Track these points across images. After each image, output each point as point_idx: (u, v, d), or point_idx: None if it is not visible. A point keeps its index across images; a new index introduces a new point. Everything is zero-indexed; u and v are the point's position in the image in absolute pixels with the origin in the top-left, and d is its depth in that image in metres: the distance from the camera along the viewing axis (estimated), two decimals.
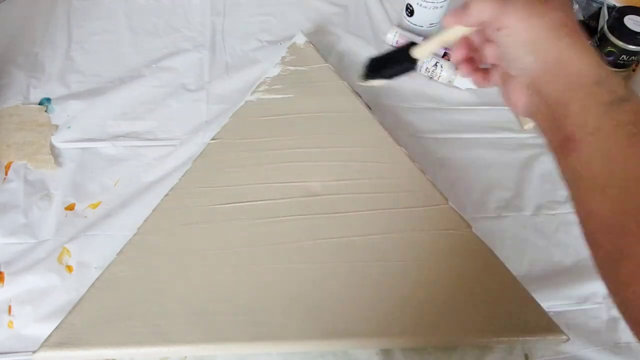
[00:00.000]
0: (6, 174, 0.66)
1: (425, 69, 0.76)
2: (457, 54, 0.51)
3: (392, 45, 0.80)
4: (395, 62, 0.57)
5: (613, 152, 0.38)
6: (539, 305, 0.53)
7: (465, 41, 0.50)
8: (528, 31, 0.42)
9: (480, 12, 0.44)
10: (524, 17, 0.42)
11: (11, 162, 0.67)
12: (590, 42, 0.41)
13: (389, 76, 0.58)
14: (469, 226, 0.58)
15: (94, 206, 0.64)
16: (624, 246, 0.37)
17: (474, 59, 0.51)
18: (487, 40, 0.48)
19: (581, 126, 0.40)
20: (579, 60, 0.41)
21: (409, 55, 0.55)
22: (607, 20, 0.70)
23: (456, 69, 0.51)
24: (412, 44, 0.55)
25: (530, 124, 0.72)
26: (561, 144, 0.42)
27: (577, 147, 0.40)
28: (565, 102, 0.41)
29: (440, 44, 0.52)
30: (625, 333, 0.56)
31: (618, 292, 0.38)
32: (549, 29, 0.42)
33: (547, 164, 0.68)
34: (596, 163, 0.39)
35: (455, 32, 0.49)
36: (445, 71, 0.75)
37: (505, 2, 0.43)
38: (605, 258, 0.39)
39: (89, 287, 0.54)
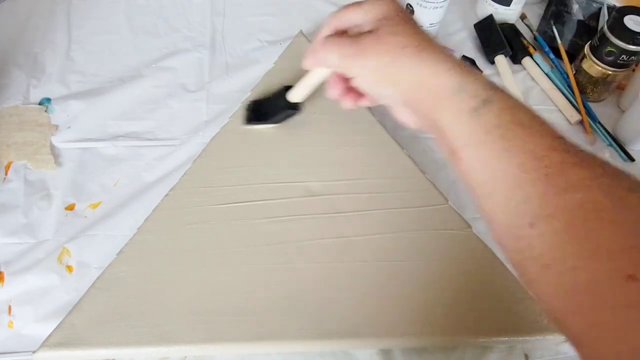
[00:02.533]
0: (6, 174, 0.66)
1: None
2: (332, 92, 0.53)
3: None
4: (276, 108, 0.63)
5: (490, 159, 0.39)
6: (539, 306, 0.53)
7: (337, 76, 0.52)
8: (374, 73, 0.45)
9: (329, 63, 0.49)
10: (364, 63, 0.45)
11: (11, 162, 0.67)
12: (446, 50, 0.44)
13: (275, 122, 0.64)
14: (469, 226, 0.58)
15: (94, 206, 0.64)
16: (521, 247, 0.37)
17: (353, 88, 0.52)
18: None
19: (457, 138, 0.41)
20: (433, 75, 0.42)
21: (286, 100, 0.61)
22: (607, 20, 0.69)
23: (340, 103, 0.54)
24: (287, 88, 0.60)
25: None
26: (449, 155, 0.42)
27: (459, 158, 0.41)
28: (437, 117, 0.42)
29: (311, 87, 0.56)
30: None
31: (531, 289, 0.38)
32: (390, 61, 0.44)
33: None
34: (479, 172, 0.40)
35: (319, 73, 0.53)
36: None
37: (344, 54, 0.46)
38: (511, 258, 0.39)
39: (89, 287, 0.54)
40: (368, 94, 0.50)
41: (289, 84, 0.61)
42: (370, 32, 0.46)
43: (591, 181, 0.35)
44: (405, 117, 0.49)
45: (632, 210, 0.34)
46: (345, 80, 0.51)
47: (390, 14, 0.46)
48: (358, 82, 0.48)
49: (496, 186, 0.39)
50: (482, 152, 0.39)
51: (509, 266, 0.56)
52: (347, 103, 0.54)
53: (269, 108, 0.65)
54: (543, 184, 0.36)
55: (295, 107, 0.62)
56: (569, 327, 0.35)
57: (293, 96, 0.61)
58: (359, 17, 0.47)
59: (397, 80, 0.44)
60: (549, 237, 0.36)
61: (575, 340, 0.35)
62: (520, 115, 0.39)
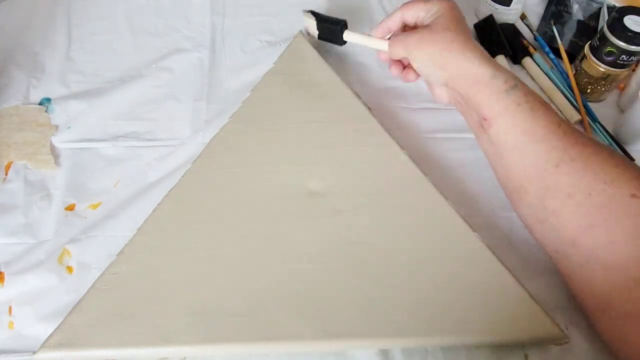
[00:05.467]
0: (6, 174, 0.66)
1: None
2: (394, 70, 0.71)
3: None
4: (329, 30, 0.74)
5: (521, 121, 0.54)
6: (539, 306, 0.53)
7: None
8: (428, 59, 0.61)
9: (396, 54, 0.66)
10: (423, 50, 0.61)
11: (11, 162, 0.67)
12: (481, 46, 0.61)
13: (320, 36, 0.75)
14: (469, 227, 0.58)
15: (94, 206, 0.64)
16: (546, 185, 0.52)
17: (402, 62, 0.71)
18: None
19: (492, 109, 0.56)
20: (472, 64, 0.57)
21: (341, 31, 0.73)
22: (607, 20, 0.69)
23: (389, 69, 0.72)
24: (345, 25, 0.73)
25: None
26: (479, 124, 0.59)
27: (492, 123, 0.56)
28: (474, 94, 0.58)
29: (368, 45, 0.71)
30: None
31: (541, 230, 0.55)
32: (441, 50, 0.59)
33: None
34: (510, 132, 0.55)
35: (380, 45, 0.69)
36: None
37: (408, 44, 0.62)
38: (531, 201, 0.54)
39: (89, 288, 0.54)
40: (419, 72, 0.66)
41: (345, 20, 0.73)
42: (428, 25, 0.62)
43: (597, 142, 0.53)
44: (441, 93, 0.66)
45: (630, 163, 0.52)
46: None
47: (446, 12, 0.61)
48: (414, 64, 0.64)
49: (525, 140, 0.54)
50: (514, 117, 0.55)
51: (508, 266, 0.56)
52: (395, 70, 0.71)
53: (325, 23, 0.74)
54: (563, 139, 0.53)
55: (342, 43, 0.74)
56: (583, 244, 0.50)
57: (348, 37, 0.73)
58: (421, 13, 0.64)
59: (445, 66, 0.59)
60: (571, 174, 0.51)
61: (587, 256, 0.50)
62: (539, 98, 0.56)
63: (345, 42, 0.73)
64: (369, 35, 0.70)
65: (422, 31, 0.61)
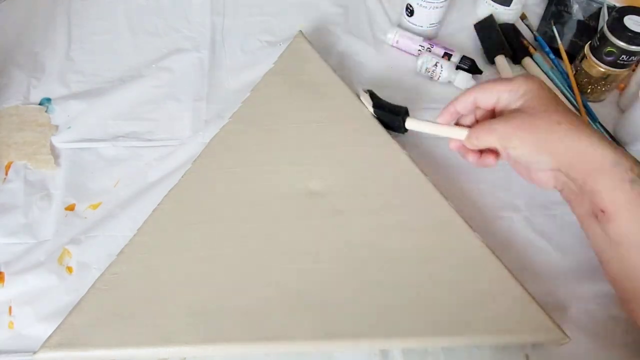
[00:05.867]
0: (6, 174, 0.66)
1: (425, 69, 0.76)
2: (472, 158, 0.60)
3: (393, 46, 0.81)
4: (388, 114, 0.66)
5: None
6: (539, 306, 0.53)
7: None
8: (534, 143, 0.51)
9: (485, 143, 0.55)
10: (524, 136, 0.52)
11: (11, 162, 0.67)
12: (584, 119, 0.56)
13: (377, 115, 0.67)
14: (470, 227, 0.58)
15: (94, 207, 0.64)
16: None
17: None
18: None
19: (613, 201, 0.48)
20: (590, 146, 0.49)
21: (402, 120, 0.64)
22: (607, 20, 0.69)
23: (463, 157, 0.61)
24: (407, 113, 0.65)
25: None
26: (595, 215, 0.50)
27: (612, 218, 0.48)
28: (592, 182, 0.49)
29: (435, 133, 0.61)
30: (625, 333, 0.56)
31: None
32: (547, 136, 0.51)
33: None
34: (633, 229, 0.47)
35: (453, 134, 0.59)
36: (445, 71, 0.75)
37: (503, 133, 0.53)
38: None
39: (89, 288, 0.54)
40: (519, 160, 0.55)
41: (406, 107, 0.66)
42: (520, 110, 0.53)
43: None
44: (546, 178, 0.55)
45: None
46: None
47: (540, 92, 0.53)
48: (514, 151, 0.53)
49: None
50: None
51: (509, 266, 0.56)
52: (473, 158, 0.60)
53: (384, 108, 0.67)
54: None
55: (401, 129, 0.66)
56: None
57: (410, 124, 0.64)
58: (504, 94, 0.55)
59: (554, 151, 0.51)
60: None
61: None
62: None
63: (407, 131, 0.66)
64: (435, 122, 0.61)
65: (518, 115, 0.53)
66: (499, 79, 0.57)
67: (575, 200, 0.53)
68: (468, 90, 0.57)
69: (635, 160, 0.49)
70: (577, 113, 0.55)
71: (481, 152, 0.59)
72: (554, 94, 0.54)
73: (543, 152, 0.52)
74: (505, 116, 0.54)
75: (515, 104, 0.54)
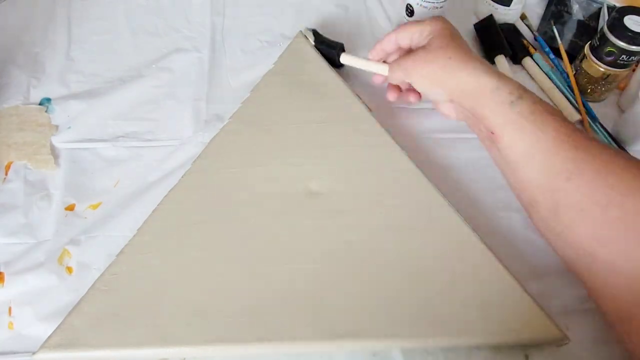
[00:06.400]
0: (6, 174, 0.66)
1: None
2: (391, 95, 0.71)
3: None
4: (326, 48, 0.74)
5: (529, 134, 0.53)
6: (539, 307, 0.53)
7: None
8: (428, 76, 0.61)
9: (396, 78, 0.66)
10: (421, 70, 0.61)
11: (11, 162, 0.67)
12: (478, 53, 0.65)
13: (318, 49, 0.75)
14: (469, 227, 0.58)
15: (94, 207, 0.64)
16: (558, 198, 0.51)
17: (398, 87, 0.70)
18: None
19: (497, 123, 0.55)
20: (473, 78, 0.57)
21: (338, 54, 0.73)
22: (607, 20, 0.69)
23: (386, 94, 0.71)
24: (342, 49, 0.74)
25: None
26: (488, 137, 0.58)
27: (499, 137, 0.55)
28: (479, 108, 0.57)
29: (365, 69, 0.70)
30: None
31: (557, 241, 0.54)
32: (439, 68, 0.59)
33: None
34: (518, 145, 0.54)
35: (378, 69, 0.68)
36: None
37: (406, 67, 0.62)
38: (544, 214, 0.53)
39: (89, 288, 0.54)
40: (422, 93, 0.66)
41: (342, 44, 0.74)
42: (423, 47, 0.62)
43: (612, 149, 0.52)
44: (448, 110, 0.65)
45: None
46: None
47: (441, 31, 0.61)
48: (415, 85, 0.64)
49: (535, 153, 0.52)
50: (521, 130, 0.53)
51: (509, 267, 0.56)
52: (392, 95, 0.70)
53: (324, 47, 0.75)
54: (573, 151, 0.51)
55: (338, 66, 0.74)
56: (601, 256, 0.48)
57: (345, 60, 0.72)
58: (415, 34, 0.64)
59: (445, 83, 0.59)
60: (583, 187, 0.49)
61: (607, 268, 0.48)
62: (547, 108, 0.54)
63: (342, 65, 0.73)
64: (366, 59, 0.70)
65: (418, 52, 0.61)
66: (415, 21, 0.65)
67: (474, 127, 0.62)
68: (391, 31, 0.67)
69: (517, 84, 0.56)
70: (469, 49, 0.61)
71: (400, 91, 0.70)
72: (457, 33, 0.62)
73: (436, 85, 0.60)
74: (412, 53, 0.63)
75: (422, 42, 0.62)
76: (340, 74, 0.72)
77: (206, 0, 0.86)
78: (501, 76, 0.56)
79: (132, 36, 0.81)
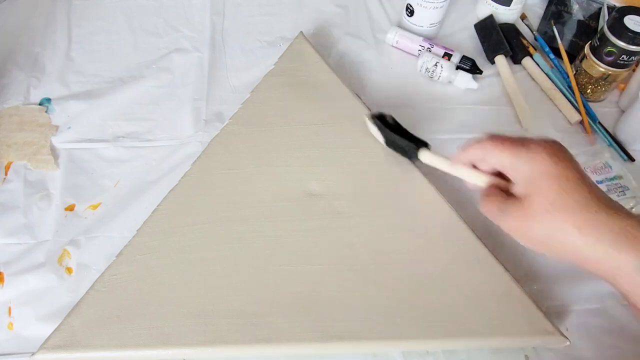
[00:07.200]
0: (6, 174, 0.66)
1: (426, 69, 0.76)
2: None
3: (393, 46, 0.81)
4: (401, 142, 0.61)
5: None
6: (538, 308, 0.53)
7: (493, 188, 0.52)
8: (540, 247, 0.46)
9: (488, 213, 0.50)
10: (526, 239, 0.47)
11: (11, 162, 0.67)
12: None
13: (388, 144, 0.62)
14: (469, 227, 0.58)
15: (94, 207, 0.64)
16: None
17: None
18: None
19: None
20: (607, 255, 0.42)
21: (416, 151, 0.59)
22: (607, 20, 0.69)
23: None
24: (425, 144, 0.60)
25: (530, 124, 0.72)
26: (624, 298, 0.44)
27: None
28: (613, 283, 0.43)
29: (457, 174, 0.56)
30: (625, 334, 0.56)
31: None
32: (553, 241, 0.44)
33: None
34: None
35: (472, 179, 0.54)
36: (445, 71, 0.75)
37: (506, 227, 0.47)
38: None
39: (88, 289, 0.54)
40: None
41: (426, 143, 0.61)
42: (520, 202, 0.46)
43: None
44: None
45: None
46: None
47: (543, 175, 0.45)
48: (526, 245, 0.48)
49: None
50: None
51: (508, 268, 0.56)
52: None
53: (397, 134, 0.62)
54: None
55: (414, 158, 0.61)
56: None
57: (424, 157, 0.59)
58: (505, 162, 0.48)
59: (565, 257, 0.45)
60: None
61: None
62: None
63: (419, 160, 0.61)
64: (452, 163, 0.56)
65: (518, 214, 0.46)
66: (510, 139, 0.48)
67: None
68: (477, 143, 0.51)
69: None
70: (602, 193, 0.44)
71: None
72: (570, 165, 0.45)
73: (550, 253, 0.46)
74: (508, 206, 0.47)
75: (518, 189, 0.47)
76: (342, 72, 0.72)
77: (206, 0, 0.86)
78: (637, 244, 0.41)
79: (132, 36, 0.81)
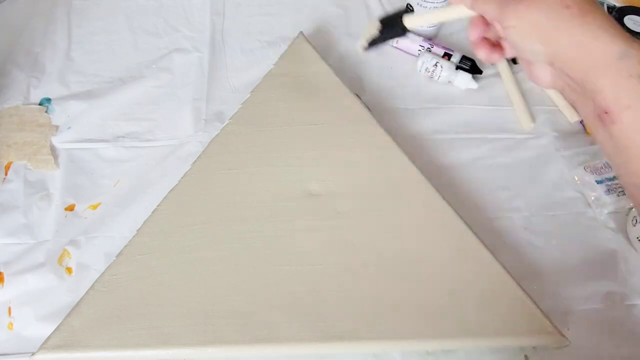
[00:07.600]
0: (6, 174, 0.66)
1: (426, 69, 0.76)
2: (473, 34, 0.50)
3: (393, 46, 0.81)
4: (386, 27, 0.56)
5: None
6: (538, 308, 0.53)
7: (479, 19, 0.50)
8: (530, 27, 0.43)
9: (484, 12, 0.46)
10: (524, 13, 0.43)
11: (11, 162, 0.67)
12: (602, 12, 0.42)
13: (381, 40, 0.57)
14: (469, 227, 0.58)
15: (94, 207, 0.64)
16: None
17: (490, 41, 0.51)
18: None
19: (616, 100, 0.41)
20: (594, 39, 0.41)
21: (401, 22, 0.54)
22: None
23: (474, 50, 0.51)
24: (407, 10, 0.55)
25: (530, 124, 0.72)
26: (599, 117, 0.43)
27: (616, 119, 0.41)
28: (593, 79, 0.42)
29: (439, 18, 0.54)
30: (626, 333, 0.56)
31: None
32: (550, 17, 0.42)
33: (547, 164, 0.68)
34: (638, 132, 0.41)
35: (458, 12, 0.49)
36: (445, 71, 0.75)
37: (503, 3, 0.44)
38: None
39: (88, 289, 0.54)
40: (514, 47, 0.47)
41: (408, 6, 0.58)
42: None
43: None
44: (543, 75, 0.48)
45: None
46: (485, 27, 0.50)
47: None
48: (509, 33, 0.45)
49: None
50: None
51: (508, 267, 0.56)
52: (482, 53, 0.51)
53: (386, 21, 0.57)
54: None
55: (405, 31, 0.55)
56: None
57: (411, 22, 0.54)
58: None
59: (552, 38, 0.43)
60: None
61: None
62: None
63: (407, 30, 0.55)
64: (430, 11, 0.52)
65: None
66: None
67: (578, 101, 0.46)
68: None
69: None
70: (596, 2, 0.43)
71: (499, 48, 0.51)
72: None
73: (537, 39, 0.44)
74: None
75: None
76: (342, 72, 0.72)
77: (206, 0, 0.86)
78: (630, 40, 0.41)
79: (132, 36, 0.81)
